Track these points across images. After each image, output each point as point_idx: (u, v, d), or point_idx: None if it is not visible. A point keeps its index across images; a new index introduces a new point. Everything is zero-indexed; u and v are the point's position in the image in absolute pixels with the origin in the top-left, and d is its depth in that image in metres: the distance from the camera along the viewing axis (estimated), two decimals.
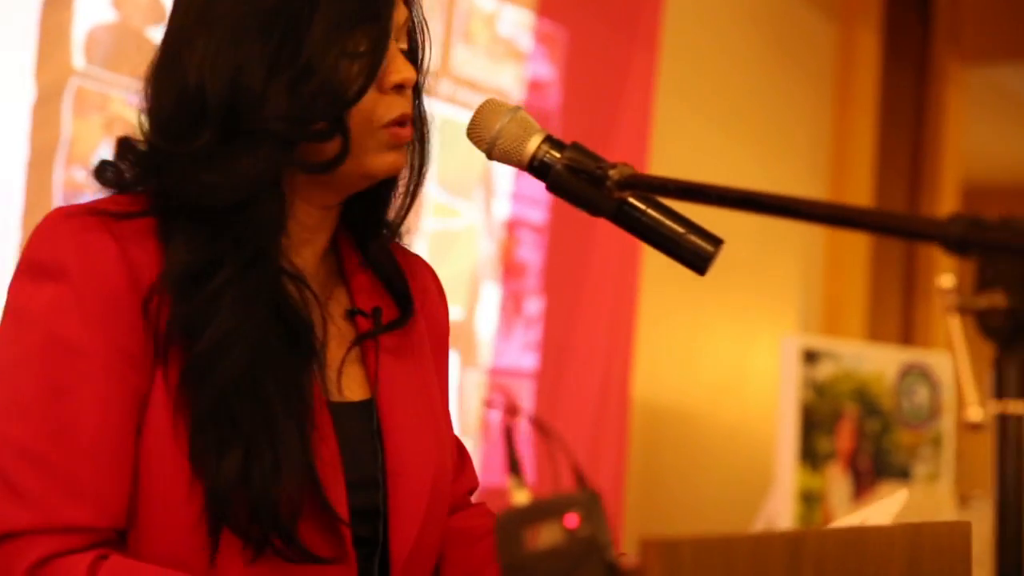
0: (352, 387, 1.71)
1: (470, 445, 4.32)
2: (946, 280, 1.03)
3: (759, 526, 4.79)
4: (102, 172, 1.65)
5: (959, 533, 1.42)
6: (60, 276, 1.54)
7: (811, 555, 1.17)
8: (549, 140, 1.55)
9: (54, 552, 1.49)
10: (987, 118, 8.17)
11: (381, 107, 1.63)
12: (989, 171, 9.55)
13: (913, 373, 5.21)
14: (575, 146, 1.53)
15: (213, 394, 1.53)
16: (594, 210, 1.50)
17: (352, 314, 1.75)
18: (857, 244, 6.31)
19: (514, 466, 1.10)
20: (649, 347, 5.07)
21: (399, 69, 1.64)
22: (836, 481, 4.94)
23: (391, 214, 1.80)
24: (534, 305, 4.58)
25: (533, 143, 1.55)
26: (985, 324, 1.03)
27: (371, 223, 1.78)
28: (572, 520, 1.04)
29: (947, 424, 5.29)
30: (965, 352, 1.04)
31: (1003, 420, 1.01)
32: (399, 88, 1.65)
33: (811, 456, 4.87)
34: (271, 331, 1.58)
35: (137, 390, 1.55)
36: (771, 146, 6.03)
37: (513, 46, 4.52)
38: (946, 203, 7.07)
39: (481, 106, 1.60)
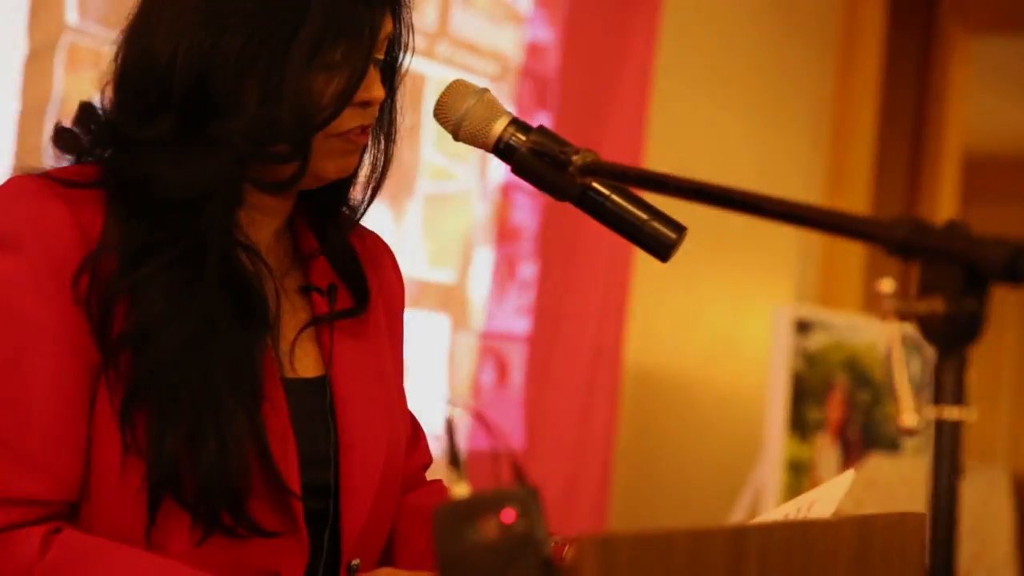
0: (306, 364, 1.71)
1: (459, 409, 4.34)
2: (886, 284, 1.03)
3: (747, 495, 4.80)
4: (59, 137, 1.65)
5: (911, 525, 1.41)
6: (15, 248, 1.54)
7: (754, 550, 1.17)
8: (515, 123, 1.55)
9: (6, 525, 1.49)
10: (991, 89, 8.14)
11: (342, 119, 1.62)
12: (991, 141, 9.52)
13: (905, 345, 5.19)
14: (541, 130, 1.53)
15: (145, 375, 1.53)
16: (558, 194, 1.51)
17: (307, 290, 1.74)
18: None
19: (454, 459, 1.10)
20: (643, 313, 5.06)
21: (369, 87, 1.63)
22: (825, 451, 4.94)
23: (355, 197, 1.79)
24: (528, 269, 4.58)
25: (499, 125, 1.55)
26: (925, 329, 1.03)
27: (328, 210, 1.78)
28: (509, 515, 1.05)
29: None
30: (902, 357, 1.04)
31: (939, 426, 1.02)
32: (364, 104, 1.64)
33: (801, 426, 4.87)
34: (218, 308, 1.57)
35: (91, 363, 1.54)
36: (772, 115, 6.01)
37: (512, 9, 4.50)
38: (947, 173, 7.05)
39: (448, 87, 1.60)
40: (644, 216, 1.51)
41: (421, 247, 4.21)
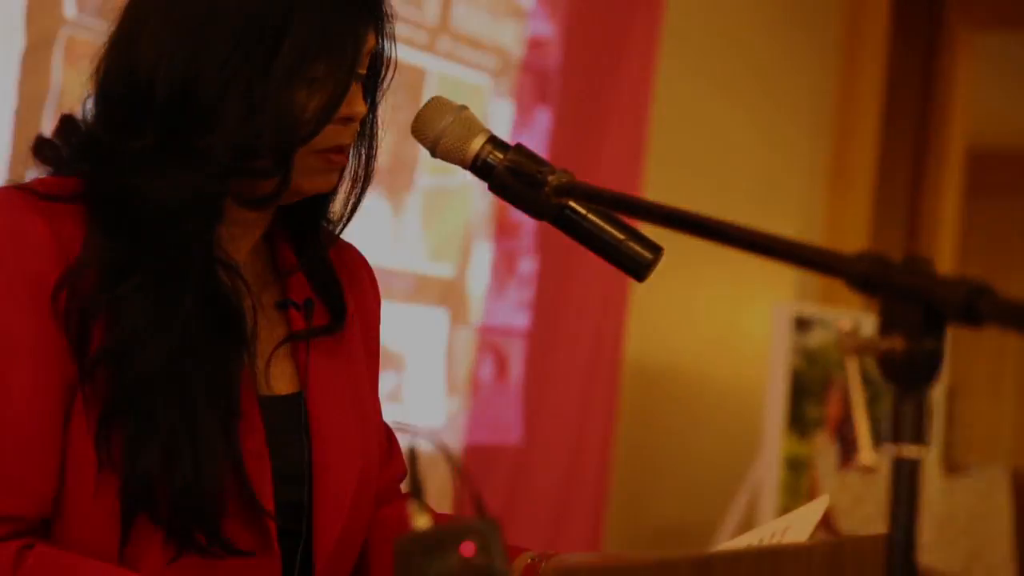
0: (281, 380, 1.71)
1: (458, 403, 4.35)
2: (846, 322, 1.03)
3: (745, 492, 4.80)
4: (40, 149, 1.64)
5: (883, 548, 1.40)
6: None
7: None
8: (492, 141, 1.55)
9: None
10: (996, 84, 8.12)
11: (324, 135, 1.61)
12: (996, 136, 9.49)
13: None
14: (518, 148, 1.53)
15: (122, 392, 1.52)
16: (535, 212, 1.51)
17: (283, 305, 1.74)
18: (857, 211, 6.29)
19: (416, 490, 1.10)
20: (642, 309, 5.06)
21: (350, 102, 1.62)
22: (824, 449, 4.94)
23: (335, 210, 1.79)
24: (527, 264, 4.58)
25: (476, 143, 1.55)
26: (884, 367, 1.03)
27: (308, 224, 1.77)
28: (468, 548, 1.05)
29: (937, 394, 5.27)
30: (861, 395, 1.04)
31: (898, 464, 1.01)
32: (346, 120, 1.64)
33: (799, 423, 4.86)
34: (197, 323, 1.57)
35: (67, 378, 1.54)
36: (775, 110, 5.99)
37: (514, 3, 4.49)
38: (951, 168, 7.03)
39: (427, 104, 1.59)
40: (620, 236, 1.52)
41: (420, 241, 4.21)
